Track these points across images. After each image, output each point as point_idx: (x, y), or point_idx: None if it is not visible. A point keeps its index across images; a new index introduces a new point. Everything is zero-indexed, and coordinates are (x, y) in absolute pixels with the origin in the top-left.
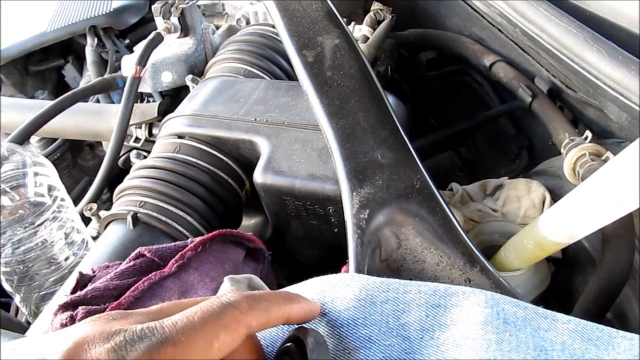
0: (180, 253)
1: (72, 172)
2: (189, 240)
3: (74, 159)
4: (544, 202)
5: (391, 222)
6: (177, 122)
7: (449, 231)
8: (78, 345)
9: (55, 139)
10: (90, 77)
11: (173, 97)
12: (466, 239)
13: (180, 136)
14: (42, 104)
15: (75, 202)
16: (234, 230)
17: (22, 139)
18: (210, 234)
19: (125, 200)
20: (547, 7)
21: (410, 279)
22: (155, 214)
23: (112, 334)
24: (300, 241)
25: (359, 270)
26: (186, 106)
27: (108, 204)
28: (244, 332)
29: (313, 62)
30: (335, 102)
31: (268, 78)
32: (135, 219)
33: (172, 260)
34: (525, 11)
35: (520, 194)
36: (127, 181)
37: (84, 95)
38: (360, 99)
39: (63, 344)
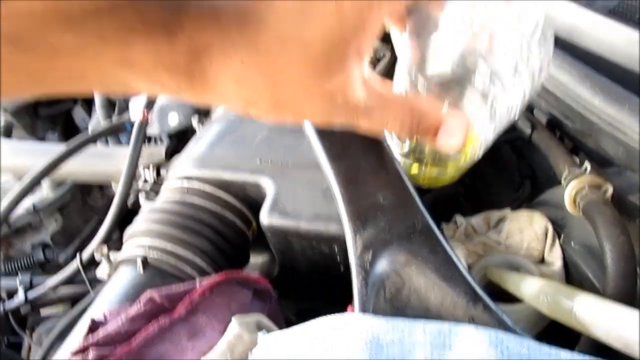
0: (188, 297)
1: (82, 212)
2: (197, 281)
3: (84, 199)
4: (546, 234)
5: (394, 263)
6: (184, 165)
7: (451, 270)
8: None
9: None
10: (98, 118)
11: (180, 137)
12: (468, 277)
13: (187, 179)
14: (53, 148)
15: (86, 242)
16: (240, 273)
17: (36, 181)
18: (217, 278)
19: (134, 243)
20: None
21: (415, 318)
22: (164, 257)
23: None
24: (308, 278)
25: (364, 310)
26: (192, 149)
27: (118, 242)
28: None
29: None
30: (337, 145)
31: None
32: (145, 262)
33: (181, 305)
34: None
35: (523, 226)
36: (136, 224)
37: (93, 140)
38: (361, 142)
39: None
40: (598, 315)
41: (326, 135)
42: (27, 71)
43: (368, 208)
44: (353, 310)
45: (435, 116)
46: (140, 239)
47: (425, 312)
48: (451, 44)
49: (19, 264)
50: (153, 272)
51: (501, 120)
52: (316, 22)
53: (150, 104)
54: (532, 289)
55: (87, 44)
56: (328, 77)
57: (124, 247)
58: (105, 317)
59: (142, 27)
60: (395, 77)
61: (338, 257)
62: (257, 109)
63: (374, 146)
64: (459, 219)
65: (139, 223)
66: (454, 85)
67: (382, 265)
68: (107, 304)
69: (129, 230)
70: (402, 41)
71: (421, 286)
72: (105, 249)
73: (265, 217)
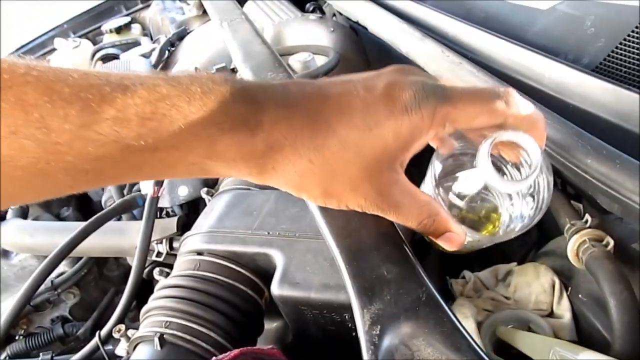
0: None
1: (99, 284)
2: (214, 359)
3: (100, 271)
4: (553, 287)
5: (402, 335)
6: (195, 239)
7: (457, 340)
8: (392, 84)
9: None
10: (111, 191)
11: (191, 207)
12: (475, 346)
13: (199, 253)
14: (69, 227)
15: (105, 313)
16: (254, 348)
17: (56, 263)
18: (232, 354)
19: (151, 320)
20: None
21: None
22: (180, 334)
23: (413, 83)
24: (321, 344)
25: None
26: (203, 223)
27: (135, 311)
28: (499, 121)
29: None
30: (339, 221)
31: None
32: (162, 339)
33: None
34: None
35: (530, 279)
36: (152, 301)
37: (107, 219)
38: (363, 218)
39: (381, 81)
40: None
41: (329, 213)
42: (130, 165)
43: (373, 282)
44: None
45: (445, 224)
46: (156, 316)
47: None
48: (481, 173)
49: (40, 340)
50: (170, 348)
51: (515, 227)
52: (377, 137)
53: (160, 180)
54: (541, 348)
55: (183, 141)
56: (374, 179)
57: (141, 325)
58: None
59: (228, 125)
60: (425, 178)
61: (349, 324)
62: (308, 195)
63: (376, 221)
64: (467, 274)
65: (155, 300)
66: (474, 202)
67: (391, 338)
68: None
69: (145, 308)
70: (437, 154)
71: (429, 357)
72: (123, 328)
73: (276, 289)
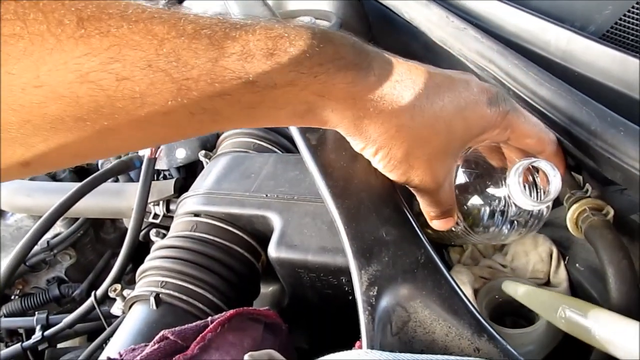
0: (201, 335)
1: (95, 246)
2: (209, 319)
3: (97, 233)
4: (551, 256)
5: (399, 297)
6: (192, 201)
7: (455, 303)
8: (479, 81)
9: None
10: None
11: (188, 170)
12: (472, 309)
13: (196, 214)
14: (66, 187)
15: (101, 275)
16: (250, 309)
17: (51, 222)
18: (228, 314)
19: (147, 280)
20: (537, 71)
21: (422, 350)
22: (176, 294)
23: (494, 86)
24: (317, 308)
25: (372, 346)
26: (200, 185)
27: (132, 273)
28: (539, 150)
29: (316, 144)
30: (339, 183)
31: (278, 151)
32: (158, 299)
33: (194, 342)
34: (517, 75)
35: (528, 248)
36: (148, 262)
37: (104, 179)
38: (363, 179)
39: (466, 74)
40: (618, 334)
41: (329, 174)
42: (245, 104)
43: (372, 244)
44: (361, 347)
45: (454, 211)
46: (152, 276)
47: (431, 344)
48: (510, 186)
49: (35, 301)
50: (166, 308)
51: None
52: (465, 118)
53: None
54: (549, 305)
55: (300, 76)
56: (447, 158)
57: (137, 285)
58: (120, 355)
59: (343, 63)
60: None
61: (346, 288)
62: (386, 153)
63: (376, 182)
64: None
65: (151, 261)
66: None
67: (388, 299)
68: (122, 342)
69: (142, 268)
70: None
71: (426, 319)
72: (118, 287)
73: (273, 251)
